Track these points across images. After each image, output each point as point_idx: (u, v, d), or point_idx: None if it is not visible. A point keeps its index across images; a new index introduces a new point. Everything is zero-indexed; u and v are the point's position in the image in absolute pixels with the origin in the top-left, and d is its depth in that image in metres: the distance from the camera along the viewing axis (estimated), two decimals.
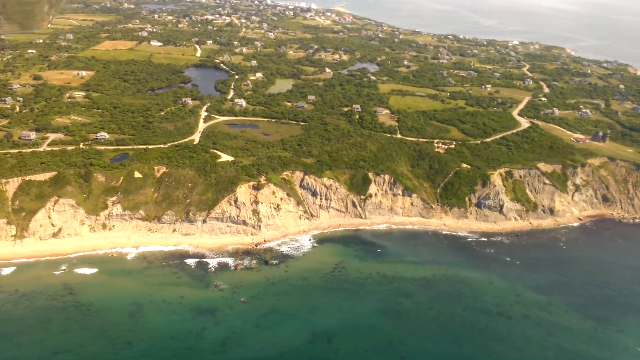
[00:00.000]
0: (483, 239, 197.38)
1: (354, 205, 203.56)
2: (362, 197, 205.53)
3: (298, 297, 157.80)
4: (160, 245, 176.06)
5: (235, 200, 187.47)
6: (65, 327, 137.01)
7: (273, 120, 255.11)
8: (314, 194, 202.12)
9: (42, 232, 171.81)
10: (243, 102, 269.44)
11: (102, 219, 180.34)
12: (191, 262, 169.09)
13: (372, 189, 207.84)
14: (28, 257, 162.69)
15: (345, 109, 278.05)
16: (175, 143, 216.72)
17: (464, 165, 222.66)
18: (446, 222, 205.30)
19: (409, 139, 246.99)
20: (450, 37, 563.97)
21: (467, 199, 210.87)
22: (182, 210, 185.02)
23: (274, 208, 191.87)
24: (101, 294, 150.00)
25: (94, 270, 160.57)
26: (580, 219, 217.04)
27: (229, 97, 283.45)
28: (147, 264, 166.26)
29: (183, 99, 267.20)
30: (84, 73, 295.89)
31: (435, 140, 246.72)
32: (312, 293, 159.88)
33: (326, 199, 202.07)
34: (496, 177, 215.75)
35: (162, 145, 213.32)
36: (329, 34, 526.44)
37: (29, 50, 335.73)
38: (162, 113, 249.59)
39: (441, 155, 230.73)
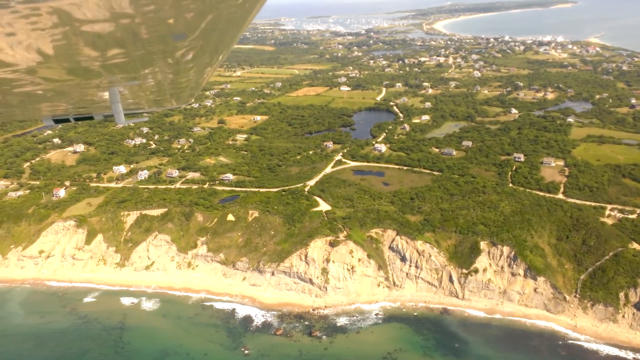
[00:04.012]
0: (627, 356, 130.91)
1: (450, 279, 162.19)
2: (465, 270, 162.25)
3: None
4: (224, 293, 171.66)
5: (306, 256, 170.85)
6: None
7: (405, 168, 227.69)
8: (403, 259, 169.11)
9: (138, 264, 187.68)
10: (383, 148, 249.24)
11: (189, 258, 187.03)
12: (239, 316, 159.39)
13: (482, 262, 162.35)
14: (115, 285, 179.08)
15: (503, 158, 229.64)
16: (286, 188, 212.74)
17: (633, 246, 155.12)
18: (580, 322, 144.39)
19: (572, 200, 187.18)
20: None
21: (622, 294, 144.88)
22: (256, 259, 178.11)
23: (348, 270, 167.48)
24: (143, 334, 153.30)
25: (156, 307, 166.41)
26: None
27: (378, 141, 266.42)
28: (200, 310, 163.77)
29: (325, 143, 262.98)
30: (258, 118, 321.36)
31: (610, 206, 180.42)
32: None
33: (416, 267, 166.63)
34: None
35: (272, 189, 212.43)
36: (554, 68, 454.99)
37: (235, 98, 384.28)
38: (299, 157, 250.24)
39: (604, 227, 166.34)
